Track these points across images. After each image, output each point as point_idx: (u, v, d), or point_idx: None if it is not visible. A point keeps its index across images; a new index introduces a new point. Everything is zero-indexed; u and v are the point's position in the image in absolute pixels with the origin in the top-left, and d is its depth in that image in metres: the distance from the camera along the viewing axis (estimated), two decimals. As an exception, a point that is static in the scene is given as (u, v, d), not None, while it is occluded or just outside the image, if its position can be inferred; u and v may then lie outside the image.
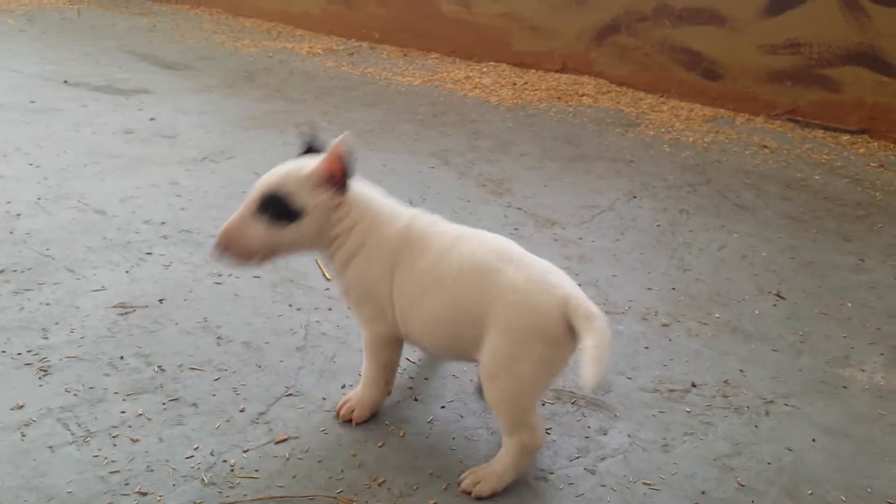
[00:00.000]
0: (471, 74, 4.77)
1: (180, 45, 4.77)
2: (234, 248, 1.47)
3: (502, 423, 1.48)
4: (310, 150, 1.56)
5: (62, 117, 3.30)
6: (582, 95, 4.45)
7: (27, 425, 1.53)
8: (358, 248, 1.52)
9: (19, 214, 2.41)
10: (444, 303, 1.45)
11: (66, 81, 3.82)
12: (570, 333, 1.41)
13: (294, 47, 4.97)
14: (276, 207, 1.46)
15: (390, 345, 1.60)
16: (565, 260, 2.44)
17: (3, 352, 1.75)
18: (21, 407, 1.58)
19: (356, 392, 1.64)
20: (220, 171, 2.88)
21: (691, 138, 3.84)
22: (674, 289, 2.32)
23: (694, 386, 1.85)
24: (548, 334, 1.40)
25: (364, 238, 1.52)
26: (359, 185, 1.55)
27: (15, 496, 1.36)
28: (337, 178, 1.47)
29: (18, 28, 4.89)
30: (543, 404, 1.73)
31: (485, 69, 4.91)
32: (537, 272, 1.45)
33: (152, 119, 3.37)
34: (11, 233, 2.29)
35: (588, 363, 1.31)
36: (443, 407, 1.71)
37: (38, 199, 2.53)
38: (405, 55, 5.12)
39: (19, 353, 1.75)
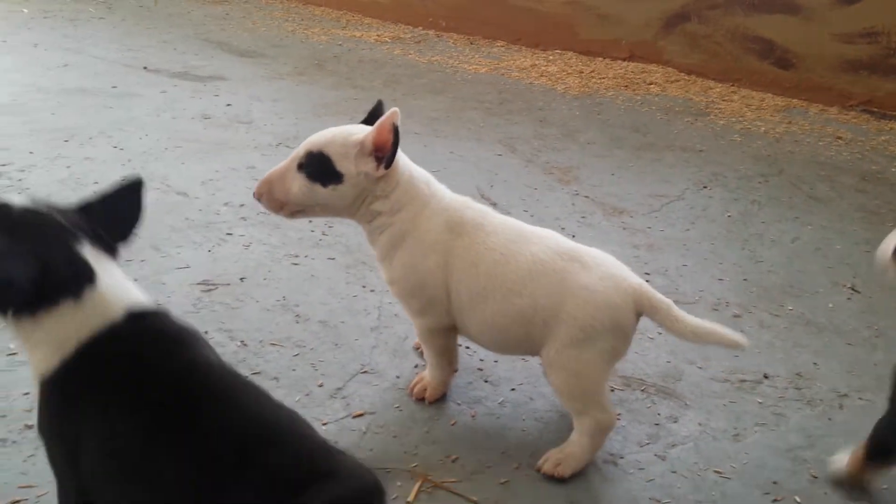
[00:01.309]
0: (537, 62, 4.76)
1: (253, 33, 4.89)
2: (270, 195, 1.51)
3: (571, 407, 1.50)
4: (371, 120, 1.52)
5: (143, 102, 3.43)
6: (650, 84, 4.41)
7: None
8: (404, 236, 1.52)
9: (106, 195, 2.52)
10: (512, 308, 1.47)
11: (145, 67, 3.96)
12: (636, 321, 1.44)
13: (363, 35, 5.04)
14: (318, 166, 1.47)
15: (443, 333, 1.61)
16: (634, 249, 2.44)
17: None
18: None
19: (427, 372, 1.68)
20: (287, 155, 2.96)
21: (763, 128, 3.77)
22: (745, 280, 2.30)
23: (766, 377, 1.84)
24: (619, 326, 1.43)
25: (411, 226, 1.51)
26: (408, 167, 1.54)
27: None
28: (385, 150, 1.45)
29: (99, 16, 5.07)
30: (612, 391, 1.75)
31: (551, 57, 4.90)
32: (604, 268, 1.46)
33: (229, 105, 3.47)
34: (100, 212, 2.41)
35: (719, 331, 1.41)
36: (513, 389, 1.74)
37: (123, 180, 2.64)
38: (471, 43, 5.14)
39: (112, 326, 1.85)
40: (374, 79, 4.12)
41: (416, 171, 1.56)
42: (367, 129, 1.47)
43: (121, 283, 1.09)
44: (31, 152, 2.82)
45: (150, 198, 2.50)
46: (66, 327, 1.02)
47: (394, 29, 5.30)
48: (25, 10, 5.04)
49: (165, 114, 3.31)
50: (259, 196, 1.52)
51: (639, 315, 1.44)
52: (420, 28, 5.37)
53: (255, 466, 0.97)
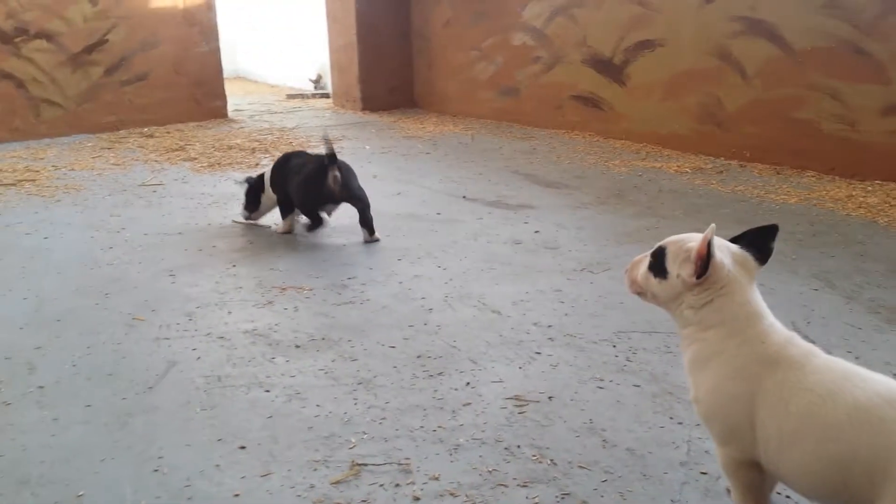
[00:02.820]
0: (853, 193, 4.44)
1: (557, 165, 5.21)
2: (630, 272, 1.76)
3: None
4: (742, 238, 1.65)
5: (462, 228, 3.80)
6: None
7: (440, 496, 1.76)
8: (712, 355, 1.53)
9: (431, 309, 2.82)
10: (827, 453, 1.36)
11: (464, 197, 4.40)
12: None
13: (662, 166, 5.12)
14: (657, 259, 1.65)
15: (748, 468, 1.53)
16: None
17: (422, 427, 2.04)
18: (436, 478, 1.82)
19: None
20: (598, 281, 3.07)
21: None
22: None
23: None
24: None
25: (722, 346, 1.52)
26: (736, 290, 1.55)
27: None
28: (698, 262, 1.53)
29: (426, 151, 5.77)
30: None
31: (870, 188, 4.54)
32: None
33: (536, 232, 3.71)
34: (425, 324, 2.69)
35: None
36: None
37: (446, 297, 2.93)
38: (778, 173, 4.96)
39: (434, 430, 2.03)
40: (676, 208, 4.14)
41: (744, 297, 1.56)
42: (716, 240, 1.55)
43: None
44: (370, 268, 3.26)
45: (467, 314, 2.76)
46: None
47: (694, 160, 5.31)
48: (367, 147, 5.91)
49: (482, 238, 3.63)
50: (625, 270, 1.79)
51: None
52: (722, 158, 5.31)
53: None
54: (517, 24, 6.57)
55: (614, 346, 2.48)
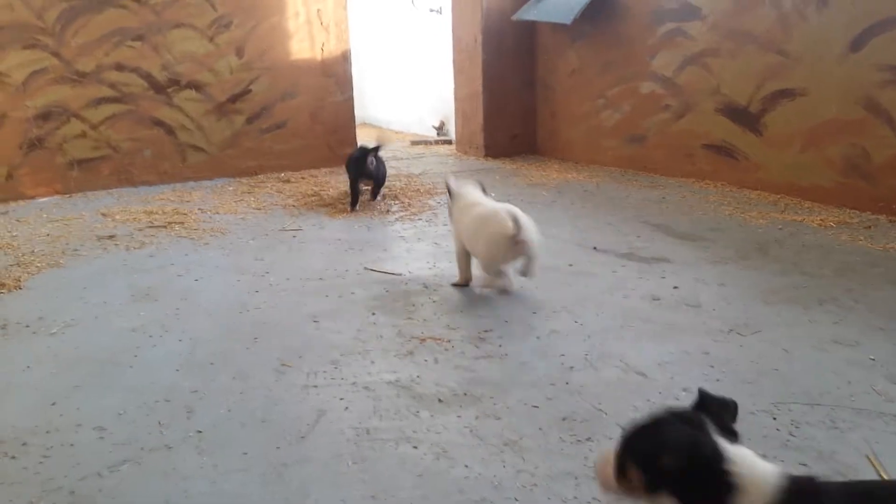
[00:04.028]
0: None
1: (689, 216, 5.06)
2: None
3: None
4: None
5: (596, 281, 3.74)
6: None
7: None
8: None
9: (572, 367, 2.76)
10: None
11: (595, 248, 4.34)
12: None
13: (804, 219, 4.88)
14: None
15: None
16: None
17: (575, 497, 1.98)
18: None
19: None
20: (748, 344, 2.92)
21: None
22: None
23: None
24: None
25: None
26: None
27: None
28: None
29: (551, 199, 5.75)
30: None
31: None
32: None
33: (675, 287, 3.59)
34: (567, 383, 2.64)
35: None
36: None
37: (586, 354, 2.87)
38: (935, 230, 4.62)
39: (588, 501, 1.96)
40: (823, 266, 3.92)
41: None
42: None
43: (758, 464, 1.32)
44: (506, 321, 3.25)
45: (610, 375, 2.69)
46: None
47: (838, 213, 5.03)
48: (493, 195, 5.93)
49: (618, 293, 3.55)
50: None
51: None
52: (868, 213, 5.00)
53: None
54: (646, 73, 6.49)
55: (774, 419, 2.35)
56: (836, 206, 5.19)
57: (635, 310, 3.33)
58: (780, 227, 4.74)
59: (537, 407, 2.47)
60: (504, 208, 3.38)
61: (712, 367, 2.73)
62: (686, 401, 2.43)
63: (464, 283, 3.71)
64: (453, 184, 3.81)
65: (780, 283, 3.64)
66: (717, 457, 1.32)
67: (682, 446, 1.32)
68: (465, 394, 2.57)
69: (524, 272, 3.47)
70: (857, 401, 2.45)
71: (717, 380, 2.62)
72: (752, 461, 1.34)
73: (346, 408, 2.48)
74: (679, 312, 3.29)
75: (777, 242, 4.38)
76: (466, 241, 3.54)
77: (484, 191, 3.82)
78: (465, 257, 3.66)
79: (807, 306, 3.32)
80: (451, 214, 3.79)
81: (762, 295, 3.48)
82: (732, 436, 1.40)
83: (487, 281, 3.58)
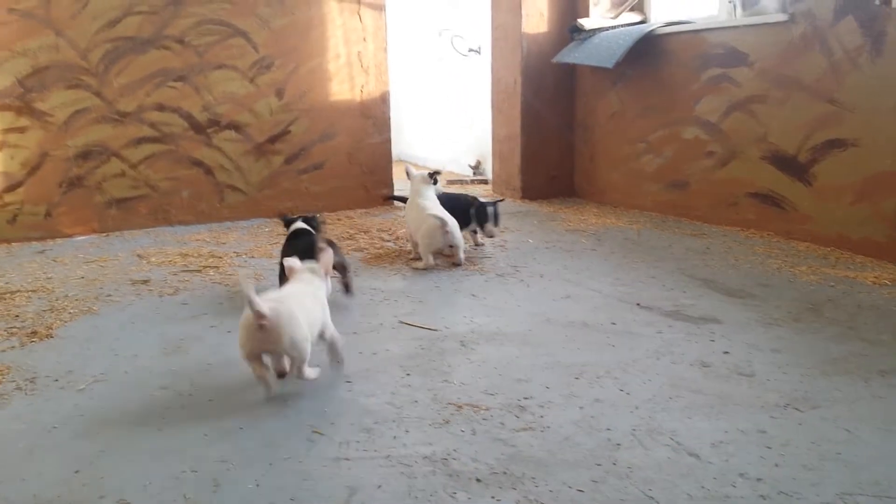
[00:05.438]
0: None
1: (736, 269, 4.88)
2: None
3: None
4: None
5: (641, 343, 3.57)
6: None
7: None
8: None
9: (619, 444, 2.60)
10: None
11: (638, 304, 4.17)
12: None
13: (857, 276, 4.66)
14: None
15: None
16: None
17: None
18: None
19: None
20: (808, 422, 2.74)
21: None
22: None
23: None
24: None
25: None
26: None
27: None
28: None
29: (590, 247, 5.60)
30: None
31: None
32: None
33: (726, 353, 3.42)
34: (615, 464, 2.47)
35: None
36: None
37: (633, 429, 2.71)
38: None
39: None
40: (882, 331, 3.71)
41: None
42: None
43: None
44: (547, 387, 3.10)
45: (661, 455, 2.52)
46: None
47: (892, 270, 4.81)
48: (531, 241, 5.83)
49: (665, 358, 3.38)
50: None
51: None
52: (926, 269, 4.78)
53: None
54: (689, 118, 6.35)
55: (843, 519, 2.16)
56: (890, 261, 4.97)
57: (684, 378, 3.16)
58: (831, 283, 4.53)
59: (582, 492, 2.31)
60: (437, 210, 4.89)
61: (769, 448, 2.55)
62: (743, 488, 2.26)
63: (423, 268, 4.98)
64: (415, 174, 5.20)
65: (837, 351, 3.44)
66: None
67: None
68: (505, 472, 2.43)
69: (454, 261, 5.03)
70: (932, 494, 2.25)
71: (776, 465, 2.43)
72: None
73: (380, 486, 2.35)
74: (731, 382, 3.11)
75: (831, 302, 4.18)
76: (412, 231, 5.07)
77: (435, 182, 5.23)
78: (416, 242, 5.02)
79: (867, 379, 3.12)
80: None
81: (819, 364, 3.28)
82: None
83: (425, 263, 4.94)
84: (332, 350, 3.22)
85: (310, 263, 3.28)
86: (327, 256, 3.32)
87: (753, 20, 5.70)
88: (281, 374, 3.05)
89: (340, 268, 4.18)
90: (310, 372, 3.00)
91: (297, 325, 2.81)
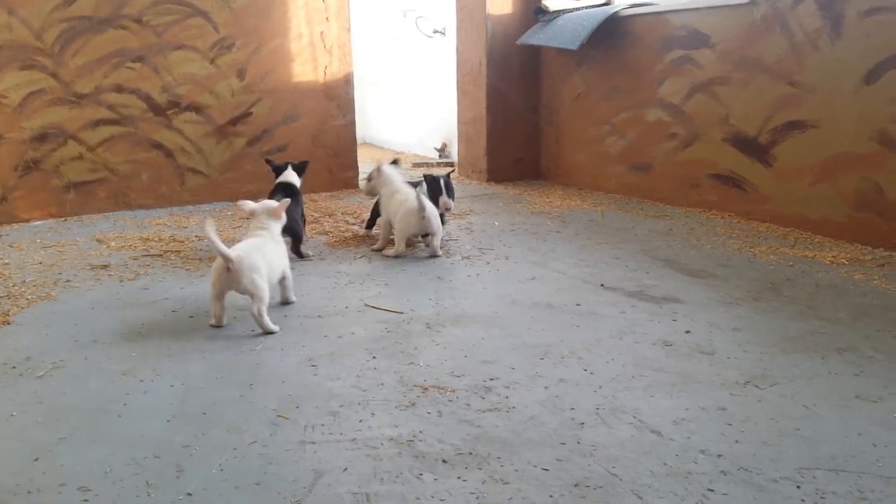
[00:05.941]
0: None
1: (698, 250, 4.94)
2: None
3: None
4: None
5: (605, 323, 3.61)
6: None
7: None
8: None
9: (583, 423, 2.63)
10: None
11: (602, 285, 4.21)
12: None
13: (815, 256, 4.76)
14: None
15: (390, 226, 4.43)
16: None
17: (588, 574, 1.85)
18: None
19: None
20: (767, 399, 2.79)
21: None
22: None
23: None
24: None
25: None
26: None
27: None
28: None
29: (555, 229, 5.63)
30: None
31: None
32: None
33: (688, 332, 3.47)
34: (579, 443, 2.50)
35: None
36: None
37: (597, 408, 2.74)
38: (952, 269, 4.50)
39: (602, 580, 1.83)
40: (839, 309, 3.79)
41: None
42: None
43: None
44: (512, 368, 3.12)
45: (624, 433, 2.55)
46: None
47: (850, 249, 4.91)
48: (496, 224, 5.83)
49: (628, 337, 3.42)
50: None
51: None
52: (881, 249, 4.89)
53: None
54: (653, 100, 6.40)
55: (798, 487, 2.21)
56: (847, 241, 5.08)
57: (647, 357, 3.20)
58: (790, 263, 4.62)
59: (547, 470, 2.33)
60: (416, 195, 4.68)
61: (730, 424, 2.60)
62: (704, 465, 2.30)
63: (379, 249, 4.99)
64: (386, 169, 5.08)
65: (795, 329, 3.51)
66: None
67: None
68: (471, 453, 2.44)
69: (431, 251, 4.88)
70: (885, 467, 2.32)
71: (737, 441, 2.48)
72: None
73: (346, 468, 2.35)
74: (693, 361, 3.15)
75: (789, 281, 4.26)
76: (391, 216, 4.85)
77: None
78: (388, 227, 4.94)
79: (825, 356, 3.19)
80: (370, 191, 5.22)
81: (778, 342, 3.35)
82: None
83: (396, 249, 4.86)
84: (285, 288, 3.92)
85: (267, 203, 3.97)
86: (284, 203, 3.94)
87: (716, 2, 5.75)
88: (285, 302, 3.92)
89: (291, 233, 4.58)
90: (269, 323, 3.49)
91: (256, 270, 3.45)
